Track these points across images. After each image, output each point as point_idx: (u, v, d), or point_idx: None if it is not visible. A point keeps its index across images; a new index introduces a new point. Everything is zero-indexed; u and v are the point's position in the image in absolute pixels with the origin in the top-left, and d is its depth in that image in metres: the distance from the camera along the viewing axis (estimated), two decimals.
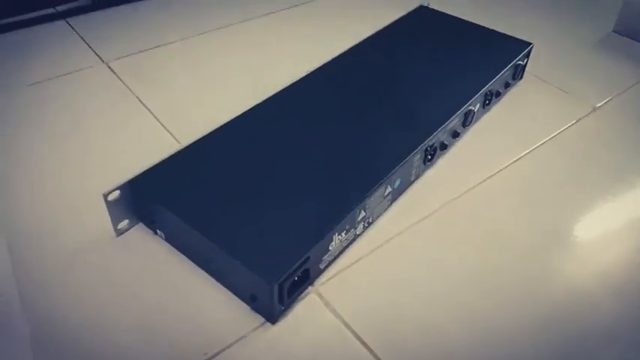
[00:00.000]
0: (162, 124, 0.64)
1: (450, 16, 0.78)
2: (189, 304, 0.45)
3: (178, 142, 0.62)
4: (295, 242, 0.45)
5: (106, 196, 0.48)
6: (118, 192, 0.49)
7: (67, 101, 0.68)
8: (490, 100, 0.67)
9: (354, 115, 0.58)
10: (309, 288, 0.47)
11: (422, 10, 0.79)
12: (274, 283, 0.41)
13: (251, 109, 0.59)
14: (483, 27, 0.75)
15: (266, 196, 0.49)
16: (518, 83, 0.74)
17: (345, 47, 0.69)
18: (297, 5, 0.92)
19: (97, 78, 0.72)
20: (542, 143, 0.65)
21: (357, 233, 0.51)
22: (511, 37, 0.73)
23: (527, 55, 0.73)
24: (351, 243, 0.51)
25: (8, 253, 0.49)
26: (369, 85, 0.63)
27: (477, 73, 0.66)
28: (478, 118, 0.67)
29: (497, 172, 0.60)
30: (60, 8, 0.87)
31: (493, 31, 0.74)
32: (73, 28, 0.83)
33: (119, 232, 0.51)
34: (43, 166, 0.58)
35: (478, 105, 0.64)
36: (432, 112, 0.59)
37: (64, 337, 0.43)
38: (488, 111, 0.69)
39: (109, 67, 0.74)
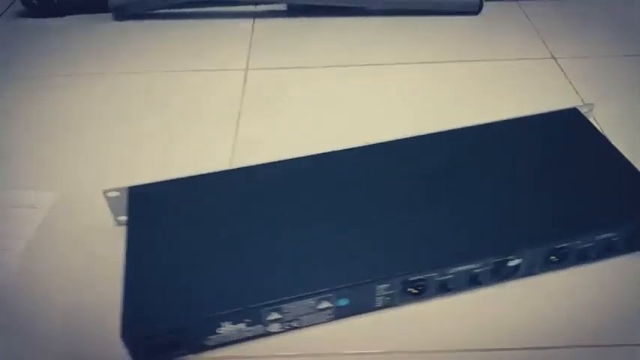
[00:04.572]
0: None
1: (597, 132, 0.59)
2: None
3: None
4: (180, 310, 0.45)
5: (105, 192, 0.56)
6: (117, 192, 0.56)
7: None
8: (564, 261, 0.51)
9: (359, 211, 0.52)
10: (190, 356, 0.47)
11: (571, 114, 0.62)
12: (122, 337, 0.43)
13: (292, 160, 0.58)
14: (629, 164, 0.56)
15: (218, 256, 0.49)
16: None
17: (469, 122, 0.61)
18: (460, 61, 0.83)
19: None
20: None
21: (270, 331, 0.48)
22: None
23: None
24: (262, 336, 0.48)
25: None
26: (420, 181, 0.55)
27: (559, 217, 0.51)
28: (532, 274, 0.52)
29: None
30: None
31: (636, 171, 0.55)
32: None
33: (119, 223, 0.59)
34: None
35: (528, 260, 0.50)
36: (452, 243, 0.49)
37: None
38: (560, 271, 0.52)
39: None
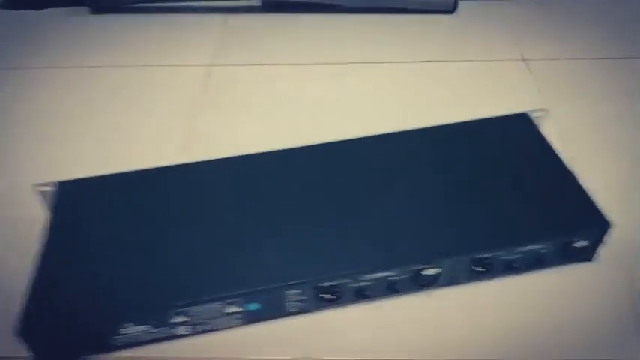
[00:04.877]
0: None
1: (544, 141, 0.57)
2: None
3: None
4: (81, 308, 0.45)
5: (37, 187, 0.56)
6: (49, 187, 0.56)
7: None
8: (490, 271, 0.49)
9: (274, 216, 0.51)
10: (97, 356, 0.47)
11: (521, 119, 0.60)
12: (19, 333, 0.43)
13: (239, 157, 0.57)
14: (569, 172, 0.53)
15: (132, 256, 0.48)
16: (580, 265, 0.52)
17: (422, 124, 0.59)
18: (427, 62, 0.81)
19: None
20: None
21: (178, 333, 0.47)
22: (594, 206, 0.50)
23: (600, 238, 0.50)
24: (170, 338, 0.47)
25: None
26: (343, 186, 0.53)
27: (484, 227, 0.49)
28: (457, 283, 0.50)
29: None
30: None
31: (575, 181, 0.52)
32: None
33: None
34: None
35: (448, 269, 0.48)
36: (366, 250, 0.48)
37: None
38: (487, 281, 0.50)
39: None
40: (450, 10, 0.90)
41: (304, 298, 0.47)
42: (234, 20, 0.93)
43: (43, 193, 0.56)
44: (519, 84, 0.75)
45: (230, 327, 0.48)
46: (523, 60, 0.79)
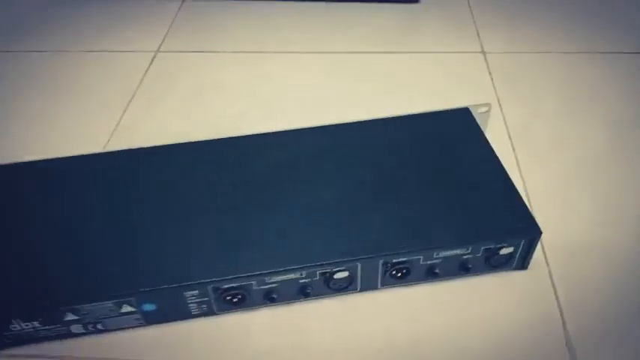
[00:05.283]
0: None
1: (482, 138, 0.53)
2: None
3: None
4: None
5: None
6: None
7: None
8: (408, 276, 0.46)
9: (193, 208, 0.48)
10: None
11: (462, 114, 0.56)
12: None
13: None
14: (504, 172, 0.50)
15: (33, 249, 0.46)
16: (511, 274, 0.48)
17: (367, 117, 0.56)
18: (385, 52, 0.77)
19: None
20: None
21: (73, 331, 0.44)
22: (525, 211, 0.47)
23: (530, 245, 0.46)
24: (64, 336, 0.45)
25: None
26: (259, 181, 0.50)
27: (400, 229, 0.46)
28: (374, 288, 0.47)
29: None
30: None
31: (508, 184, 0.49)
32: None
33: None
34: None
35: (360, 273, 0.45)
36: (267, 250, 0.44)
37: None
38: (406, 287, 0.48)
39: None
40: None
41: (206, 299, 0.44)
42: (190, 6, 0.89)
43: None
44: (476, 77, 0.72)
45: (129, 327, 0.45)
46: (483, 52, 0.76)
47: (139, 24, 0.85)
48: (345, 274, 0.45)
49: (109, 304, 0.43)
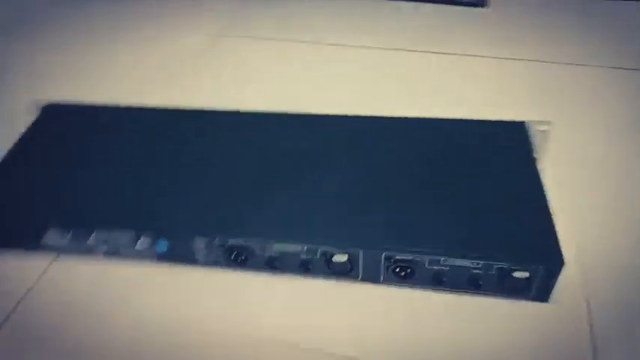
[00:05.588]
0: None
1: (529, 156, 0.49)
2: None
3: None
4: (15, 206, 0.49)
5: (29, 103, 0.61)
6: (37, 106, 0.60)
7: None
8: (411, 277, 0.44)
9: (226, 170, 0.51)
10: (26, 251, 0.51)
11: (517, 127, 0.52)
12: None
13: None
14: (542, 194, 0.46)
15: (78, 175, 0.52)
16: (529, 304, 0.44)
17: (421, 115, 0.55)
18: (446, 54, 0.74)
19: None
20: None
21: (96, 252, 0.49)
22: (552, 238, 0.42)
23: (551, 275, 0.42)
24: (88, 254, 0.49)
25: None
26: (292, 157, 0.51)
27: (413, 228, 0.44)
28: (376, 281, 0.46)
29: None
30: None
31: (543, 206, 0.44)
32: None
33: None
34: None
35: (362, 261, 0.45)
36: (275, 219, 0.46)
37: None
38: (408, 288, 0.46)
39: None
40: (481, 2, 0.85)
41: (211, 252, 0.47)
42: None
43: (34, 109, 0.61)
44: (535, 87, 0.67)
45: (142, 259, 0.49)
46: (546, 62, 0.71)
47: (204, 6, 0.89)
48: (344, 258, 0.44)
49: (129, 234, 0.47)
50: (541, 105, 0.64)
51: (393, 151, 0.51)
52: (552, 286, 0.43)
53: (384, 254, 0.44)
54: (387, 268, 0.45)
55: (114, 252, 0.49)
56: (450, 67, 0.72)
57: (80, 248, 0.49)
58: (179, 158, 0.52)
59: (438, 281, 0.45)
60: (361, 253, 0.44)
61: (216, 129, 0.56)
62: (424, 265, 0.44)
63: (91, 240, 0.48)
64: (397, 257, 0.44)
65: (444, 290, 0.46)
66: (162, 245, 0.47)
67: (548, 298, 0.44)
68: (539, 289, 0.44)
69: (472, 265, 0.43)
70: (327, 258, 0.45)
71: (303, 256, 0.45)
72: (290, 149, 0.52)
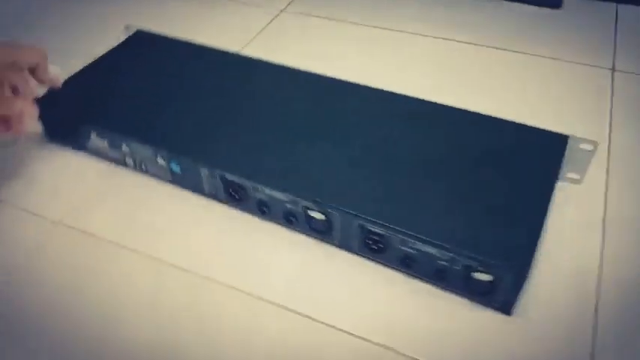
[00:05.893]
0: None
1: (553, 170, 0.47)
2: None
3: None
4: (73, 109, 0.57)
5: (125, 27, 0.69)
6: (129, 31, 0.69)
7: None
8: (383, 253, 0.45)
9: (253, 115, 0.55)
10: (74, 150, 0.59)
11: (555, 140, 0.49)
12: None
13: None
14: (543, 209, 0.44)
15: (140, 94, 0.58)
16: (491, 313, 0.43)
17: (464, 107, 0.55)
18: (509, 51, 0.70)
19: None
20: None
21: (127, 162, 0.56)
22: (529, 247, 0.41)
23: (516, 284, 0.40)
24: (120, 163, 0.57)
25: None
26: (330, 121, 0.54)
27: (394, 204, 0.45)
28: (350, 250, 0.48)
29: None
30: None
31: (538, 220, 0.42)
32: None
33: None
34: None
35: (339, 225, 0.46)
36: (270, 166, 0.49)
37: None
38: (378, 264, 0.47)
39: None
40: (557, 4, 0.80)
41: (214, 184, 0.51)
42: None
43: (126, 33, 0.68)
44: (592, 93, 0.64)
45: (160, 177, 0.55)
46: (612, 70, 0.67)
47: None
48: (322, 217, 0.46)
49: (149, 150, 0.53)
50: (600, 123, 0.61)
51: (419, 133, 0.52)
52: (515, 298, 0.42)
53: (357, 222, 0.45)
54: (362, 239, 0.46)
55: (140, 165, 0.55)
56: (518, 66, 0.70)
57: (115, 155, 0.56)
58: (221, 96, 0.57)
59: (407, 265, 0.45)
60: (337, 216, 0.46)
61: (263, 78, 0.60)
62: (396, 244, 0.44)
63: (124, 148, 0.55)
64: (370, 229, 0.44)
65: (413, 275, 0.46)
66: (176, 167, 0.53)
67: (511, 311, 0.43)
68: (504, 299, 0.42)
69: (439, 255, 0.43)
70: (306, 214, 0.47)
71: (288, 206, 0.48)
72: (318, 110, 0.55)
